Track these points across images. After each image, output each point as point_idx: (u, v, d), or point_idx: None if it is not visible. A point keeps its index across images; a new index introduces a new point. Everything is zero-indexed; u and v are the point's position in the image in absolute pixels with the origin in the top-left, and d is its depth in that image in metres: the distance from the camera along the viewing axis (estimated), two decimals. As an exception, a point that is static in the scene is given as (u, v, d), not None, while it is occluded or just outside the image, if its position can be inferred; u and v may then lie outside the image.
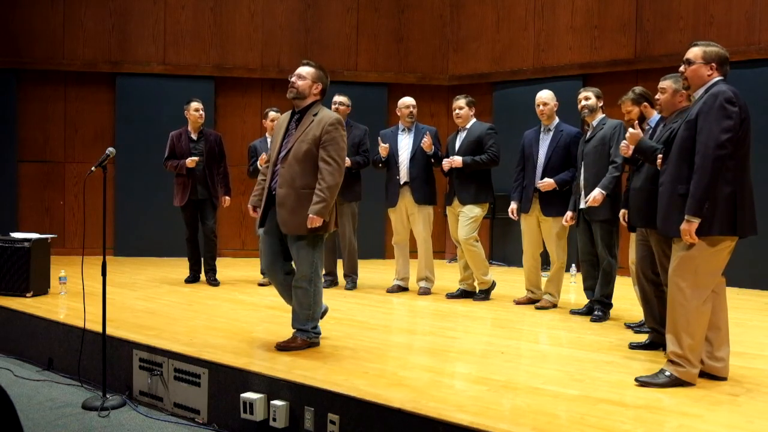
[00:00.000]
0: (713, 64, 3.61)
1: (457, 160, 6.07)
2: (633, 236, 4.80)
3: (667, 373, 3.60)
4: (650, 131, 4.69)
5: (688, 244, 3.49)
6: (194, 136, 6.91)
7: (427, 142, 6.28)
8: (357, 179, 6.71)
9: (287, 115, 4.37)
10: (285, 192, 4.14)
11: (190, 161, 6.70)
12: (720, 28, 7.58)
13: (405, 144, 6.52)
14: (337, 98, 6.68)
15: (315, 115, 4.19)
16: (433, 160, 6.45)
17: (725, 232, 3.49)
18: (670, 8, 7.96)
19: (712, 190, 3.43)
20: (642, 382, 3.61)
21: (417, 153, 6.42)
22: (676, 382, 3.58)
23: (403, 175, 6.47)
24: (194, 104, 6.90)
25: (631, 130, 4.20)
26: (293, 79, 4.23)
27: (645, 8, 8.15)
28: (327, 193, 4.08)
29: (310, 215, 4.06)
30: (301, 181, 4.13)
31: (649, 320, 4.41)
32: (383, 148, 6.46)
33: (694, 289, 3.54)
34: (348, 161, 6.47)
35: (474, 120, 6.24)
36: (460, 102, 6.19)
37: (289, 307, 4.43)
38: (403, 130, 6.57)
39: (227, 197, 7.03)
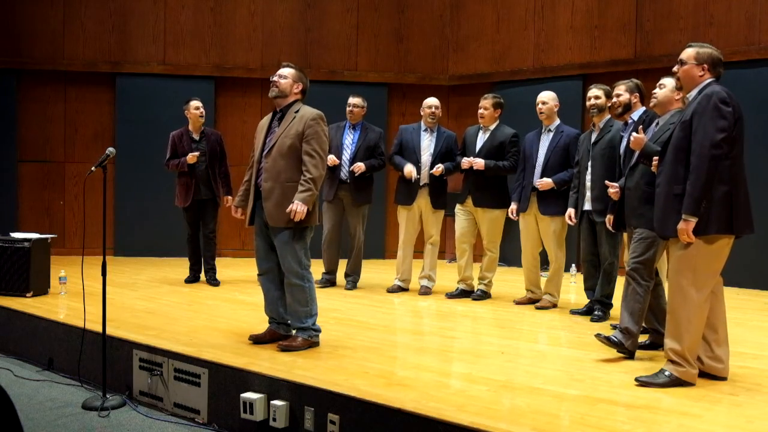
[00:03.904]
0: (705, 65, 3.64)
1: (479, 163, 6.03)
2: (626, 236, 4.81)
3: (667, 373, 3.60)
4: (632, 125, 4.72)
5: (686, 243, 3.50)
6: (196, 136, 6.87)
7: (438, 171, 6.30)
8: (369, 183, 6.72)
9: (269, 116, 4.47)
10: (270, 186, 4.21)
11: (191, 157, 6.67)
12: (720, 28, 7.58)
13: (427, 145, 6.48)
14: (352, 100, 6.66)
15: (296, 112, 4.30)
16: (445, 177, 6.48)
17: (722, 230, 3.50)
18: (670, 8, 7.96)
19: (708, 190, 3.44)
20: (642, 382, 3.61)
21: (438, 158, 6.40)
22: (676, 382, 3.58)
23: (424, 177, 6.45)
24: (194, 103, 6.87)
25: (634, 134, 4.18)
26: (275, 78, 4.34)
27: (645, 8, 8.15)
28: (312, 184, 4.16)
29: (296, 202, 4.11)
30: (285, 175, 4.21)
31: (648, 320, 4.41)
32: (408, 173, 6.38)
33: (694, 287, 3.54)
34: (362, 167, 6.48)
35: (498, 122, 6.21)
36: (486, 102, 6.13)
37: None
38: (426, 129, 6.54)
39: (229, 197, 7.00)
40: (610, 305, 5.42)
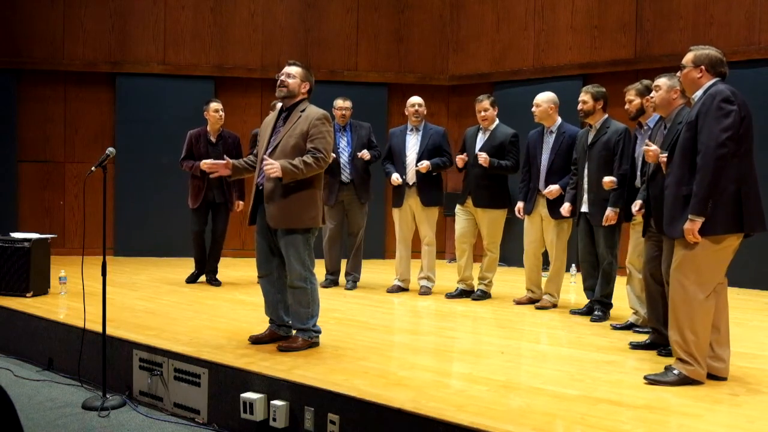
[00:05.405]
0: (703, 66, 3.64)
1: (484, 157, 5.95)
2: (630, 234, 4.80)
3: (676, 372, 3.60)
4: (648, 132, 4.68)
5: (692, 242, 3.50)
6: (213, 139, 6.81)
7: (423, 167, 6.28)
8: (369, 180, 6.75)
9: (274, 114, 4.43)
10: (272, 186, 4.16)
11: (204, 164, 6.60)
12: (720, 28, 7.58)
13: (412, 144, 6.49)
14: (343, 104, 6.67)
15: (302, 111, 4.26)
16: (434, 174, 6.46)
17: (730, 230, 3.50)
18: (670, 8, 7.96)
19: (715, 189, 3.43)
20: (651, 380, 3.61)
21: (424, 155, 6.40)
22: (684, 381, 3.58)
23: (410, 177, 6.46)
24: (213, 105, 6.82)
25: (647, 148, 4.11)
26: (283, 77, 4.28)
27: (645, 8, 8.15)
28: (303, 167, 4.09)
29: (278, 163, 4.04)
30: None
31: (652, 320, 4.40)
32: (395, 181, 6.45)
33: (697, 286, 3.54)
34: (367, 154, 6.54)
35: (497, 122, 6.19)
36: (485, 103, 6.09)
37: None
38: (411, 129, 6.55)
39: (240, 201, 6.96)
40: (610, 305, 5.42)
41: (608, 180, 5.10)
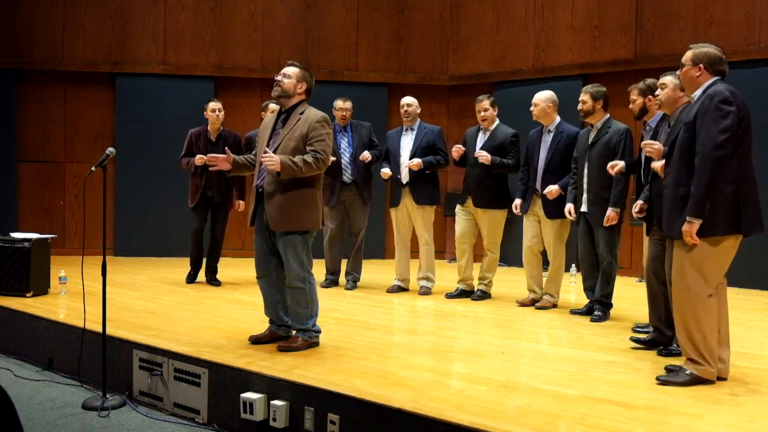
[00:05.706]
0: (701, 65, 3.62)
1: (486, 156, 5.94)
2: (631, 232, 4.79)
3: (687, 372, 3.60)
4: (651, 132, 4.68)
5: (691, 244, 3.50)
6: (213, 138, 6.80)
7: (414, 164, 6.29)
8: (371, 179, 6.77)
9: (273, 115, 4.42)
10: (272, 189, 4.16)
11: (199, 158, 6.61)
12: (720, 28, 7.57)
13: (406, 144, 6.51)
14: (343, 104, 6.66)
15: (301, 113, 4.25)
16: (428, 172, 6.45)
17: (729, 231, 3.49)
18: (670, 8, 7.96)
19: (712, 191, 3.43)
20: (663, 381, 3.61)
21: (417, 153, 6.40)
22: (696, 380, 3.58)
23: (404, 176, 6.46)
24: (212, 104, 6.82)
25: (650, 146, 4.11)
26: (279, 77, 4.27)
27: (645, 8, 8.15)
28: (302, 164, 4.08)
29: (279, 157, 4.04)
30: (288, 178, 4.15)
31: (654, 320, 4.41)
32: (384, 174, 6.51)
33: (699, 286, 3.54)
34: (368, 155, 6.56)
35: (498, 122, 6.19)
36: (485, 103, 6.09)
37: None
38: (406, 130, 6.57)
39: (241, 201, 6.96)
40: (610, 305, 5.41)
41: (615, 166, 5.02)
